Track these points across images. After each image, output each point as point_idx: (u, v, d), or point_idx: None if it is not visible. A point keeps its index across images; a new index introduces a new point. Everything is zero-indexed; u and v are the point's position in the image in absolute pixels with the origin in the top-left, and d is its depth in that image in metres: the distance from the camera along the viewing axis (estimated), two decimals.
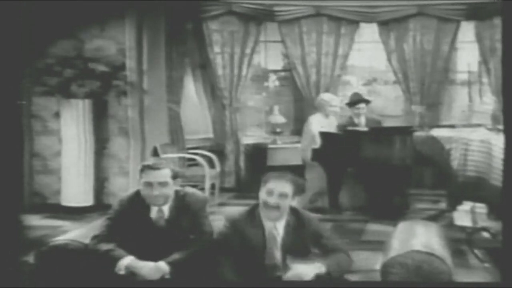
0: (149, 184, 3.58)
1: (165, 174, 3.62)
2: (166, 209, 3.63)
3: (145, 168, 3.63)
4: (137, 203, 3.65)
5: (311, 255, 3.55)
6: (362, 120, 7.19)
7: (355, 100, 7.26)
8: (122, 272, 3.47)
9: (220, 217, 3.75)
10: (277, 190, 3.45)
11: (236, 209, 3.75)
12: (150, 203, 3.61)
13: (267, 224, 3.52)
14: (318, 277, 3.36)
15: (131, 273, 3.46)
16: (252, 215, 3.55)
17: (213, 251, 3.54)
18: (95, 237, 3.61)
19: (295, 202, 3.54)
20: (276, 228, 3.52)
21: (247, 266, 3.48)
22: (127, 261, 3.48)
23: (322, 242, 3.55)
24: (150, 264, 3.48)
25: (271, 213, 3.48)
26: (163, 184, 3.59)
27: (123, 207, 3.67)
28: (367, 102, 7.34)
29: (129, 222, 3.61)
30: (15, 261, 3.58)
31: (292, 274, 3.36)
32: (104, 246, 3.54)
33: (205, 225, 3.67)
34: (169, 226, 3.61)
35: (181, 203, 3.67)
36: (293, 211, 3.57)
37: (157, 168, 3.61)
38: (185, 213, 3.64)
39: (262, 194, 3.50)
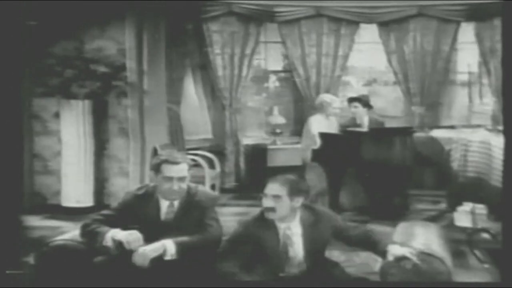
0: (169, 179, 3.59)
1: (184, 168, 3.64)
2: (176, 204, 3.64)
3: (163, 162, 3.62)
4: (146, 197, 3.65)
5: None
6: (365, 120, 7.18)
7: (351, 98, 7.26)
8: (108, 244, 3.48)
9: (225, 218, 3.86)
10: (269, 193, 3.59)
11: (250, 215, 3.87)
12: (166, 197, 3.62)
13: (281, 226, 3.65)
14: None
15: (117, 244, 3.48)
16: (264, 217, 3.66)
17: (218, 254, 3.60)
18: (85, 224, 3.64)
19: (298, 202, 3.63)
20: (290, 228, 3.65)
21: (259, 267, 3.60)
22: (111, 232, 3.50)
23: (344, 235, 3.74)
24: (131, 232, 3.49)
25: (270, 215, 3.61)
26: (182, 179, 3.61)
27: (129, 201, 3.68)
28: (363, 102, 7.28)
29: (135, 216, 3.61)
30: (15, 262, 3.58)
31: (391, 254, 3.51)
32: (91, 227, 3.57)
33: (212, 226, 3.69)
34: (177, 221, 3.62)
35: (193, 199, 3.68)
36: (307, 208, 3.72)
37: (177, 163, 3.62)
38: (194, 210, 3.66)
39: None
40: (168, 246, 3.46)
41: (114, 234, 3.51)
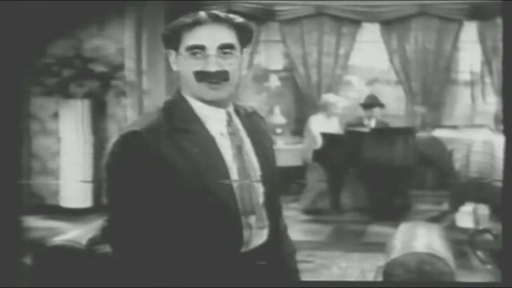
0: None
1: None
2: None
3: None
4: None
5: None
6: (373, 122, 7.14)
7: (371, 103, 7.20)
8: None
9: None
10: (214, 42, 1.80)
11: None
12: None
13: (210, 115, 1.84)
14: None
15: None
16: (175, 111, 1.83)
17: None
18: (90, 240, 3.57)
19: (245, 60, 1.89)
20: (231, 117, 1.87)
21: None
22: None
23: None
24: None
25: (214, 90, 1.80)
26: None
27: None
28: (382, 106, 7.27)
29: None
30: (14, 263, 3.54)
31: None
32: (101, 248, 3.50)
33: None
34: None
35: None
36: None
37: None
38: None
39: (186, 62, 1.81)
40: None
41: None
